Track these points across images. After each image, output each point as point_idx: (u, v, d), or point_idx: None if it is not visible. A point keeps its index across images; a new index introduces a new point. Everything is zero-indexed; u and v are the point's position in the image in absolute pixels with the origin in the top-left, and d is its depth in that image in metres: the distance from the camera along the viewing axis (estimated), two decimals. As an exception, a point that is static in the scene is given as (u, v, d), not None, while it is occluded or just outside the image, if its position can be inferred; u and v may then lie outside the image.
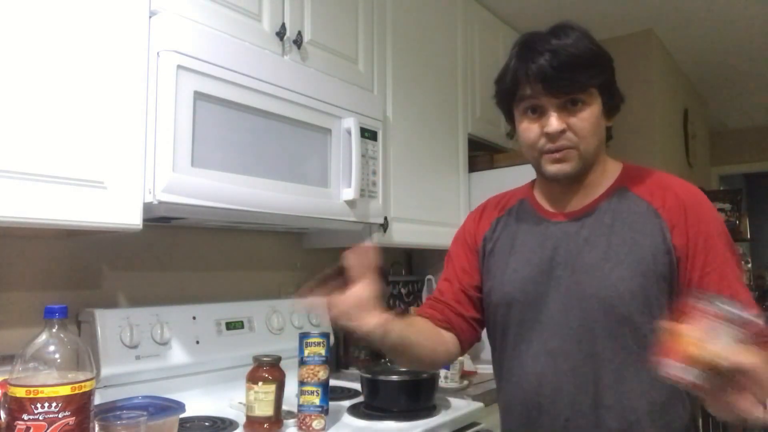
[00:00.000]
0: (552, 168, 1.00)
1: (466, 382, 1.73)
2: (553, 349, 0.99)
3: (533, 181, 1.15)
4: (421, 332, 1.08)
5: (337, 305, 0.92)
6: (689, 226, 0.95)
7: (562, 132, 0.97)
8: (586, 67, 0.95)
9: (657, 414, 0.94)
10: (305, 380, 1.30)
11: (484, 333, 1.17)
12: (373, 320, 0.94)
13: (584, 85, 0.96)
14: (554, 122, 0.96)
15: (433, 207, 2.11)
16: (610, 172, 1.05)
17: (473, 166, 2.35)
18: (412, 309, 1.82)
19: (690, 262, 0.94)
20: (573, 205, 1.04)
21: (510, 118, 1.07)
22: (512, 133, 1.05)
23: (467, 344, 1.14)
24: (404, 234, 1.94)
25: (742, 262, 0.83)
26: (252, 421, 1.26)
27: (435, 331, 1.10)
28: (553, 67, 0.94)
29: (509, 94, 1.02)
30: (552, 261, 1.01)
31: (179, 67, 1.22)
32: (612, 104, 1.01)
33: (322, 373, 1.30)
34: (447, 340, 1.11)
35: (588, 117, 0.97)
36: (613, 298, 0.95)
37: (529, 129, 1.00)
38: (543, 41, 0.97)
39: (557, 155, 0.98)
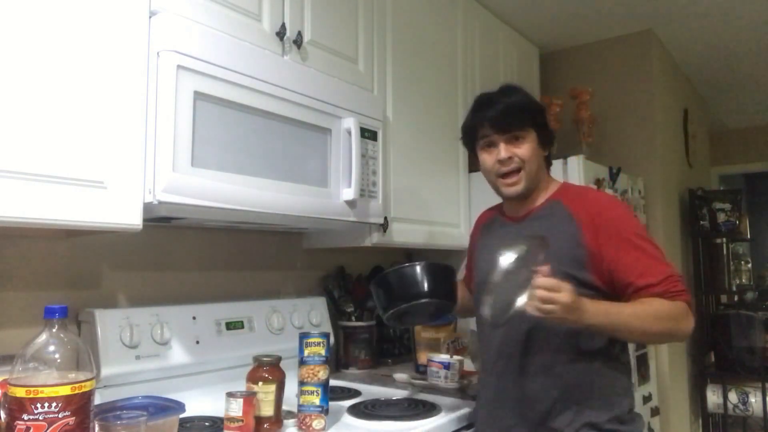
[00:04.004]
0: (508, 190, 1.37)
1: (465, 382, 1.73)
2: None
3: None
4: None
5: None
6: (598, 226, 1.26)
7: (510, 158, 1.34)
8: (523, 113, 1.34)
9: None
10: (305, 380, 1.30)
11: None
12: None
13: (521, 125, 1.34)
14: (503, 151, 1.34)
15: (433, 207, 2.11)
16: (549, 189, 1.41)
17: (473, 166, 2.33)
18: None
19: (600, 252, 1.25)
20: (521, 211, 1.42)
21: (474, 154, 1.45)
22: (476, 165, 1.50)
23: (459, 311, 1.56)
24: (404, 234, 1.94)
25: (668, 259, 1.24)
26: (252, 421, 1.26)
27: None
28: (500, 113, 1.33)
29: (472, 135, 1.41)
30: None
31: (179, 67, 1.22)
32: (545, 139, 1.39)
33: (322, 373, 1.30)
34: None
35: (527, 147, 1.35)
36: None
37: (486, 159, 1.39)
38: (495, 97, 1.37)
39: (509, 180, 1.35)
